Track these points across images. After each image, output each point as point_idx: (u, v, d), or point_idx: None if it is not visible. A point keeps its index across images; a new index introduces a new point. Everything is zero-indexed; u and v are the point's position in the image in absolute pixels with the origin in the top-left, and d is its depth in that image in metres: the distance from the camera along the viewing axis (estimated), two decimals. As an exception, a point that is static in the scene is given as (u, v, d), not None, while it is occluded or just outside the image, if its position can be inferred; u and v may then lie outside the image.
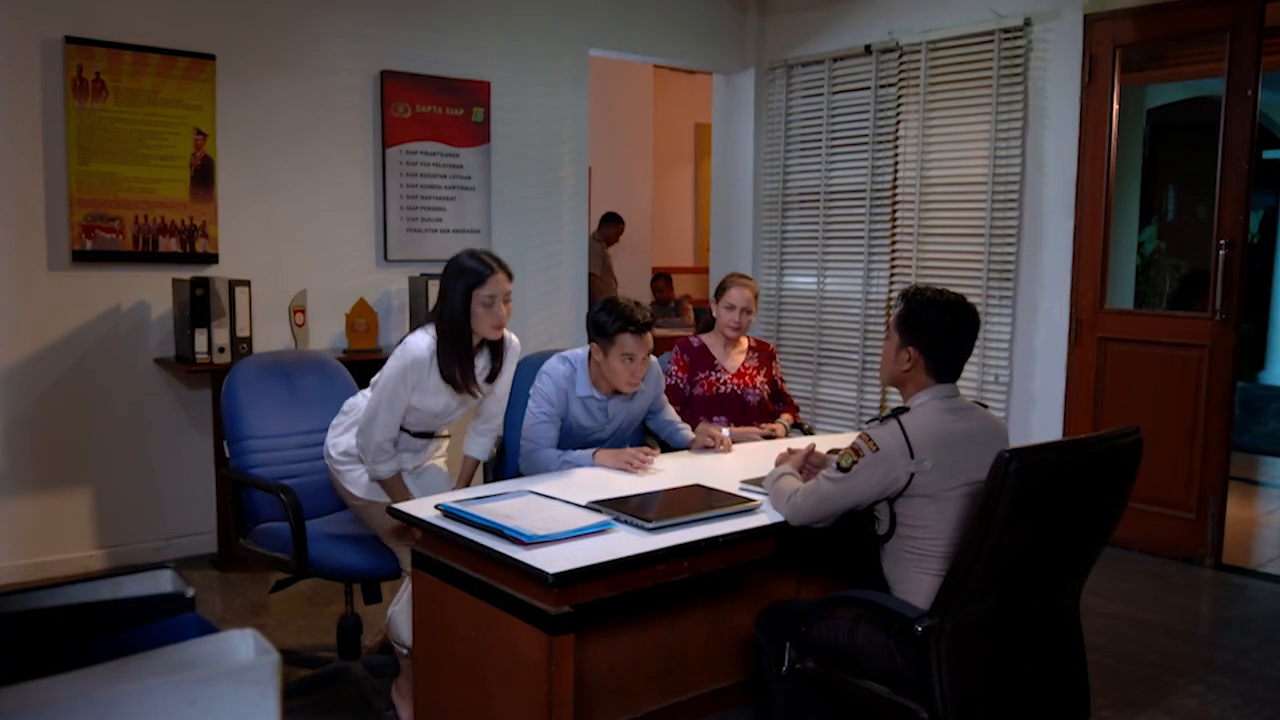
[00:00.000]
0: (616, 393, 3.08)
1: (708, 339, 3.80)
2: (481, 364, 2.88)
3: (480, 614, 2.15)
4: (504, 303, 2.77)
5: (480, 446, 3.13)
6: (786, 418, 3.84)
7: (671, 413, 3.36)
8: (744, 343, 3.84)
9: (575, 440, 3.12)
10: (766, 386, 3.81)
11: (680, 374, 3.73)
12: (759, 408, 3.78)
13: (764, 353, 3.88)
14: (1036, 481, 1.97)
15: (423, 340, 2.76)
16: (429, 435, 2.97)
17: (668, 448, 3.44)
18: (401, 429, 2.84)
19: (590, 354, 3.05)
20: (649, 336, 2.97)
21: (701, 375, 3.74)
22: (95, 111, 4.05)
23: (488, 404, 3.04)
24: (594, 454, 2.99)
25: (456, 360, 2.77)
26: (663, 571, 2.17)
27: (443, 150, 4.94)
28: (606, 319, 2.94)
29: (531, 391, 3.08)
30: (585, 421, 3.11)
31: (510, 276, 2.80)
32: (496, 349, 2.92)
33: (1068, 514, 2.08)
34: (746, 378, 3.77)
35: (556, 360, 3.10)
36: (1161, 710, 3.08)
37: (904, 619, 2.08)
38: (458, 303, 2.73)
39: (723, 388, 3.74)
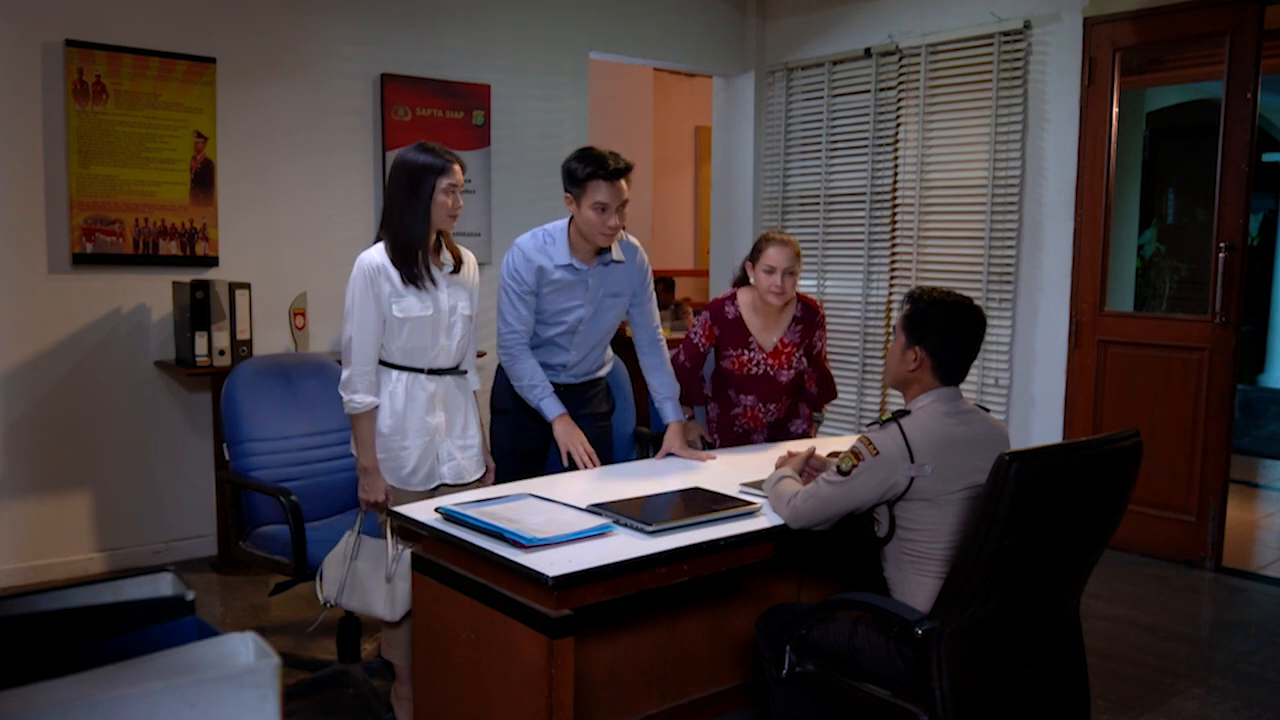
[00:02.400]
0: (599, 263, 3.02)
1: (745, 307, 3.31)
2: (446, 259, 2.80)
3: (480, 617, 2.15)
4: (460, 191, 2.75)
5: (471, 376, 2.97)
6: (812, 441, 3.42)
7: (653, 312, 3.21)
8: (788, 310, 3.35)
9: (551, 319, 3.05)
10: (804, 360, 3.39)
11: (704, 338, 3.35)
12: (793, 383, 3.40)
13: (810, 322, 3.36)
14: (1037, 484, 1.97)
15: (371, 251, 2.70)
16: (445, 372, 2.81)
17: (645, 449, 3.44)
18: (417, 371, 2.75)
19: (570, 221, 2.98)
20: (623, 185, 2.88)
21: (733, 352, 3.31)
22: (96, 114, 4.06)
23: (461, 324, 2.83)
24: (555, 421, 2.98)
25: (418, 255, 2.69)
26: (663, 574, 2.17)
27: (443, 153, 4.94)
28: (578, 165, 2.88)
29: (501, 271, 3.06)
30: (561, 300, 3.02)
31: (461, 166, 2.75)
32: (456, 252, 2.83)
33: (1068, 517, 2.08)
34: (783, 358, 3.32)
35: (530, 233, 3.04)
36: (1162, 713, 3.08)
37: (904, 622, 2.08)
38: (424, 194, 2.66)
39: (754, 369, 3.31)
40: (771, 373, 3.32)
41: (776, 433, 3.46)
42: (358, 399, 2.70)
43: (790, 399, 3.46)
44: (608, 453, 3.24)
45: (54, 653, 1.34)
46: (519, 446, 3.16)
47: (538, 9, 5.24)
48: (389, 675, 3.13)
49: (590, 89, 5.52)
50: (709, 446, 3.42)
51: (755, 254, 3.26)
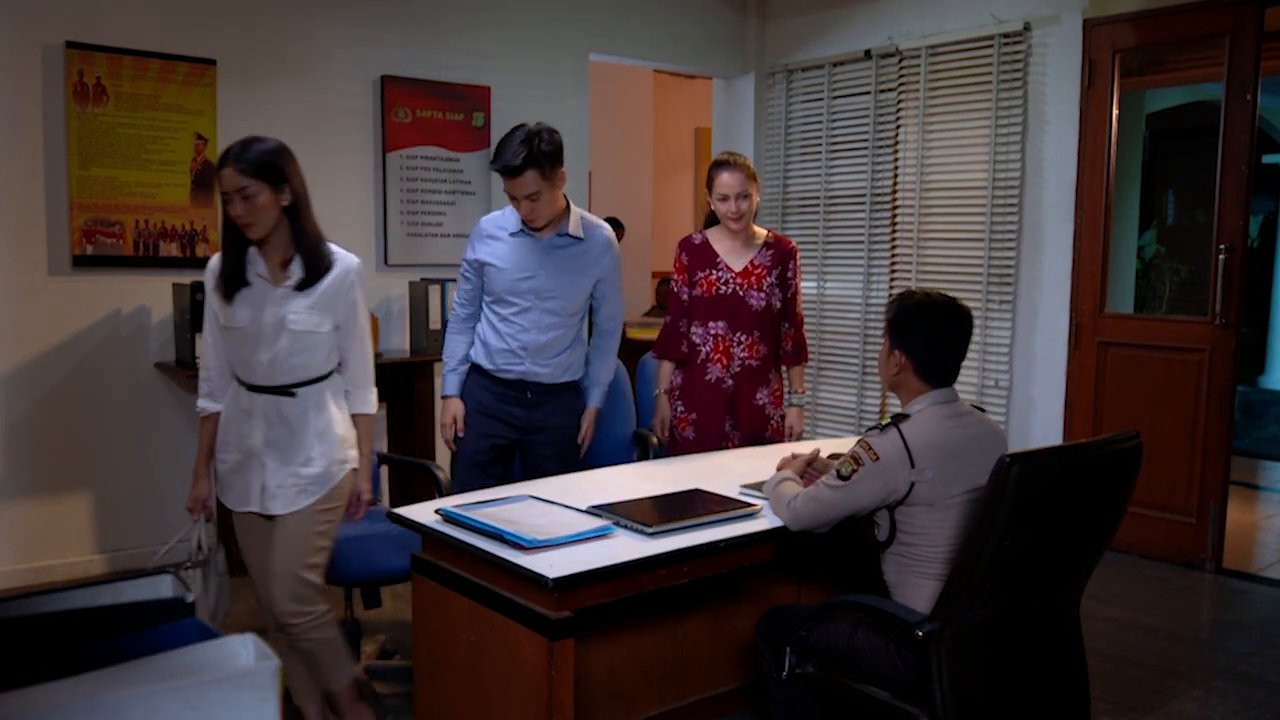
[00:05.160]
0: (554, 233, 3.02)
1: (712, 234, 3.35)
2: (295, 270, 2.49)
3: (480, 619, 2.15)
4: (243, 198, 2.42)
5: (354, 398, 2.64)
6: (796, 414, 3.44)
7: (614, 299, 3.18)
8: (758, 236, 3.35)
9: (510, 293, 3.03)
10: (778, 292, 3.33)
11: (680, 277, 3.35)
12: (766, 317, 3.31)
13: (781, 250, 3.35)
14: (1037, 486, 1.97)
15: (215, 255, 2.56)
16: (266, 389, 2.49)
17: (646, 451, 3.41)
18: (240, 383, 2.53)
19: None
20: (527, 179, 2.84)
21: (701, 274, 3.30)
22: (96, 116, 4.06)
23: (286, 339, 2.47)
24: (445, 400, 3.12)
25: (227, 263, 2.49)
26: (663, 576, 2.17)
27: (443, 155, 4.95)
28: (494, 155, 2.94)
29: None
30: (516, 270, 3.01)
31: (241, 170, 2.39)
32: (316, 265, 2.48)
33: (1068, 519, 2.08)
34: (753, 279, 3.28)
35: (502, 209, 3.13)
36: (1162, 715, 3.08)
37: (904, 624, 2.08)
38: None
39: (723, 287, 3.28)
40: (741, 293, 3.27)
41: (742, 395, 3.30)
42: (198, 403, 2.61)
43: (764, 346, 3.31)
44: (569, 465, 3.14)
45: (55, 654, 1.34)
46: (480, 456, 3.12)
47: (538, 11, 5.24)
48: (387, 677, 3.13)
49: (590, 91, 5.52)
50: (659, 452, 3.39)
51: (710, 184, 3.28)
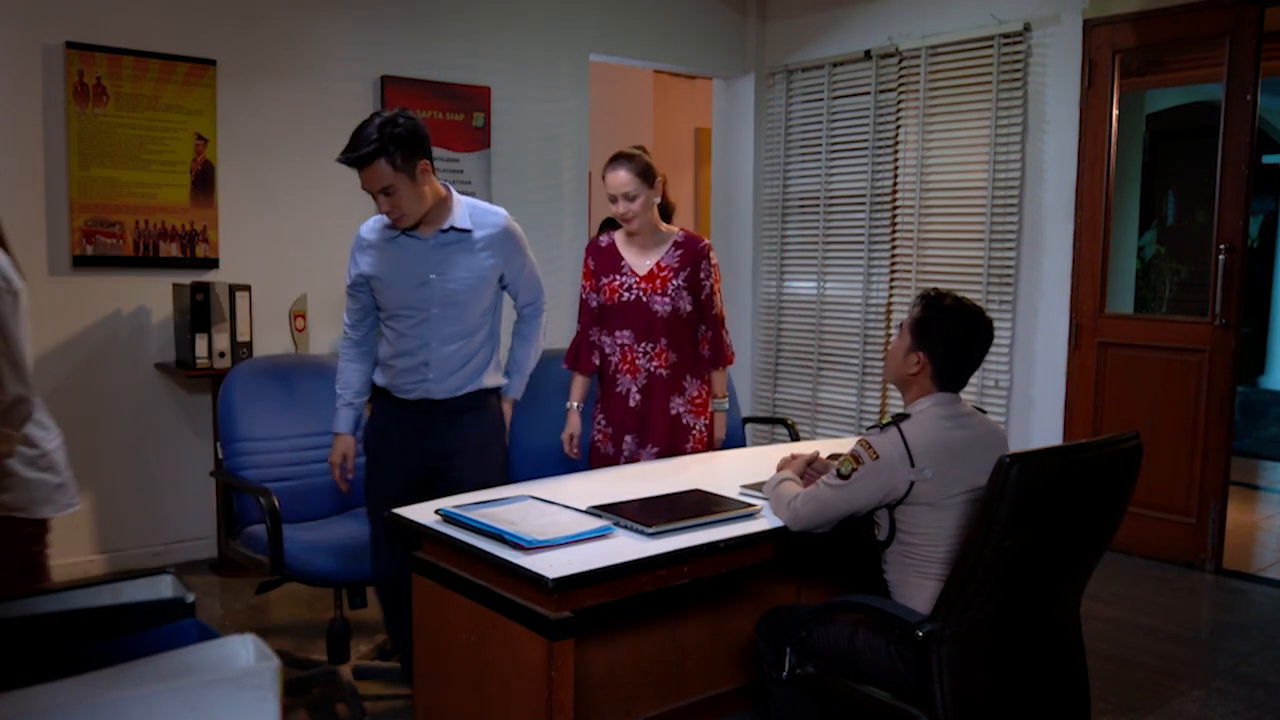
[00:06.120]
0: (438, 230, 2.69)
1: (620, 236, 3.16)
2: None
3: (480, 619, 2.15)
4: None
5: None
6: (720, 391, 3.20)
7: (528, 286, 2.87)
8: (667, 236, 3.13)
9: (402, 307, 2.72)
10: (688, 295, 3.09)
11: (587, 284, 3.15)
12: (674, 323, 3.07)
13: (690, 249, 3.10)
14: (1037, 486, 1.97)
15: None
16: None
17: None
18: None
19: None
20: (374, 171, 2.54)
21: (606, 280, 3.10)
22: (96, 116, 4.06)
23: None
24: (335, 437, 2.85)
25: None
26: (663, 576, 2.17)
27: (443, 155, 4.94)
28: None
29: None
30: (405, 277, 2.71)
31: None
32: None
33: (1068, 519, 2.08)
34: (657, 282, 3.05)
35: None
36: (1162, 715, 3.07)
37: (905, 624, 2.08)
38: None
39: (625, 294, 3.06)
40: (645, 298, 3.05)
41: (653, 406, 3.10)
42: None
43: (674, 354, 3.10)
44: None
45: (54, 655, 1.34)
46: (393, 494, 2.71)
47: (538, 11, 5.24)
48: (379, 677, 3.13)
49: (590, 91, 5.53)
50: (574, 466, 3.17)
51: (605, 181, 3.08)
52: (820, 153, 5.78)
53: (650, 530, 2.23)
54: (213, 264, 4.35)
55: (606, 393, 3.17)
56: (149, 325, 4.26)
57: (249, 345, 4.17)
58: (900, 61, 5.35)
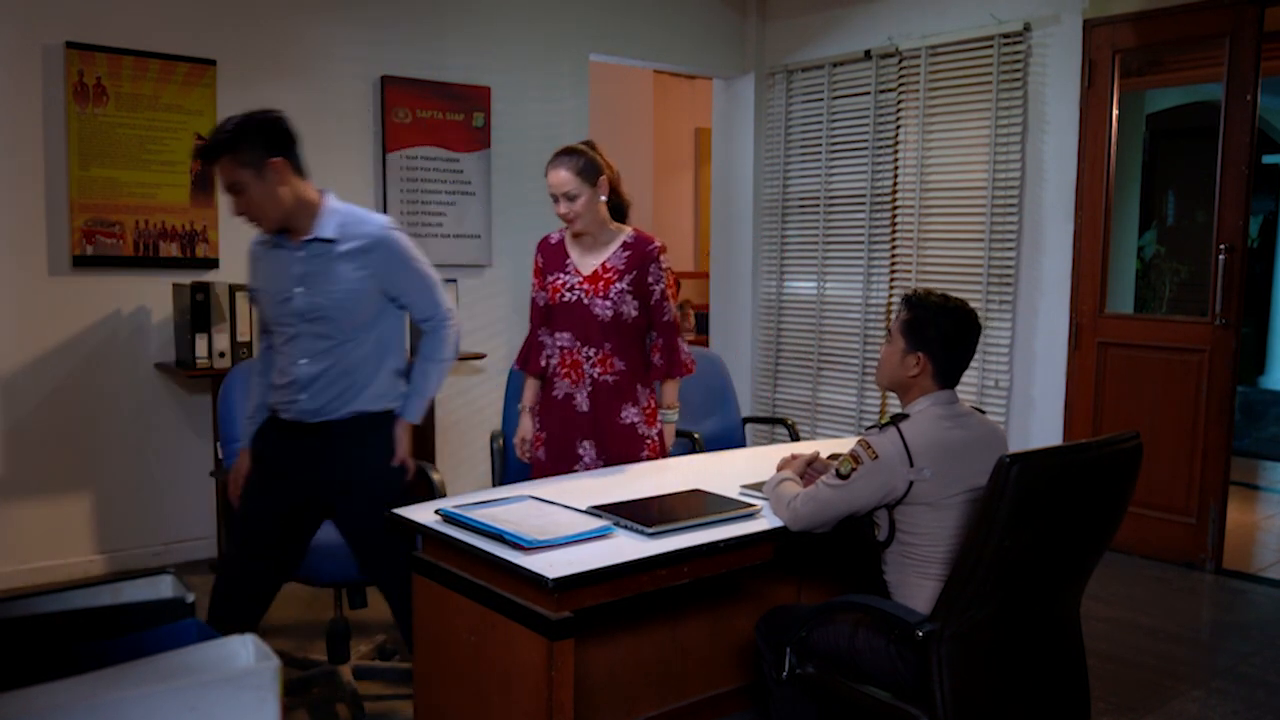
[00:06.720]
0: (312, 240, 2.52)
1: (569, 235, 3.04)
2: None
3: (480, 619, 2.15)
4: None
5: None
6: (673, 401, 3.04)
7: (421, 302, 2.64)
8: (617, 236, 2.98)
9: (276, 318, 2.58)
10: (633, 300, 2.93)
11: (535, 281, 3.03)
12: (618, 328, 2.92)
13: (639, 251, 2.94)
14: (1037, 486, 1.97)
15: None
16: None
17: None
18: None
19: None
20: (221, 168, 2.43)
21: (551, 278, 2.99)
22: (96, 116, 4.06)
23: None
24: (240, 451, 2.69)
25: None
26: (663, 576, 2.17)
27: (443, 155, 4.95)
28: None
29: None
30: (277, 288, 2.55)
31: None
32: None
33: (1068, 519, 2.08)
34: (600, 284, 2.91)
35: None
36: (1162, 715, 3.07)
37: (905, 624, 2.08)
38: None
39: (567, 294, 2.93)
40: (586, 300, 2.91)
41: (603, 414, 2.97)
42: None
43: (621, 361, 2.96)
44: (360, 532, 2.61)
45: (54, 655, 1.34)
46: (256, 527, 2.62)
47: (538, 11, 5.24)
48: (379, 677, 3.13)
49: (590, 91, 5.52)
50: (523, 474, 3.09)
51: None
52: (820, 153, 5.78)
53: (650, 530, 2.23)
54: (213, 264, 4.35)
55: (545, 395, 3.05)
56: (149, 325, 4.26)
57: (249, 345, 4.17)
58: (900, 61, 5.35)
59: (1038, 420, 4.89)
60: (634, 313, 2.95)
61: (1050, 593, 2.16)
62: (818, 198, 5.81)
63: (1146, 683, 3.30)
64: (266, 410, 2.67)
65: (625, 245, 2.96)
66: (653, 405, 3.07)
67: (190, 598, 1.55)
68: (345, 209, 2.58)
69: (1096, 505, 2.13)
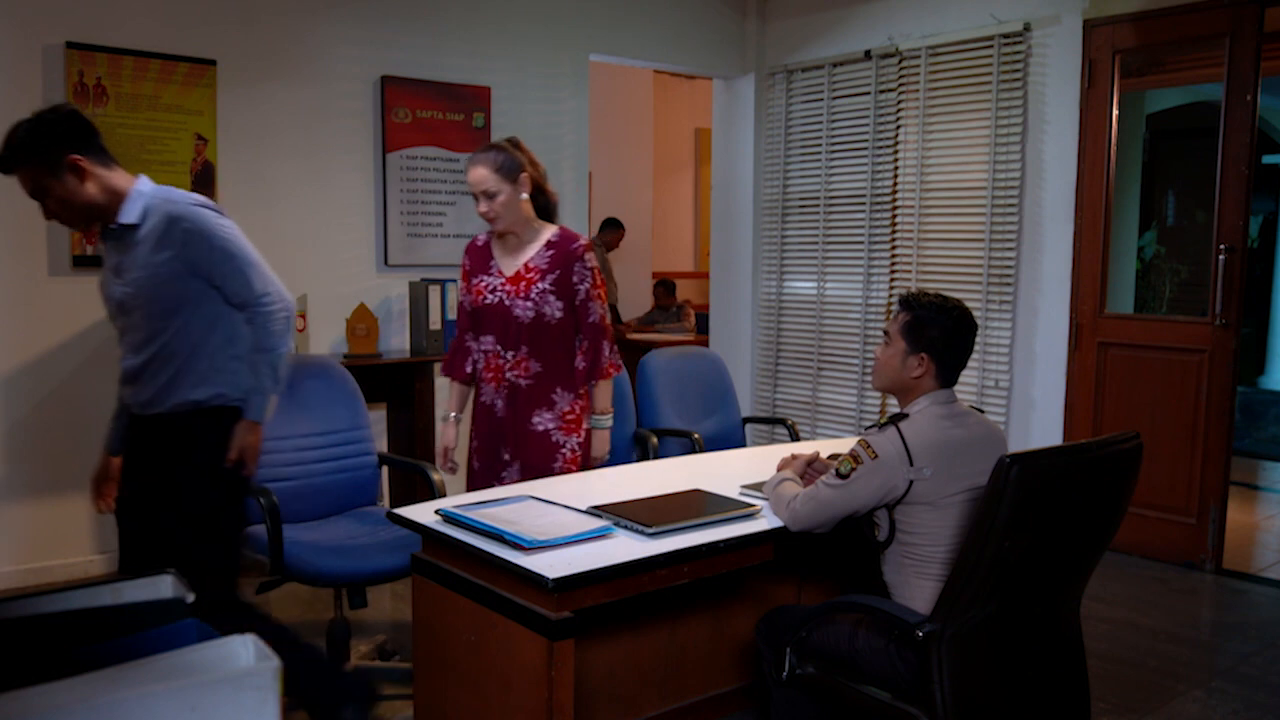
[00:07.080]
0: (117, 227, 2.45)
1: (495, 236, 2.97)
2: None
3: (480, 619, 2.15)
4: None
5: None
6: (604, 398, 2.95)
7: (235, 290, 2.46)
8: (541, 235, 2.90)
9: (106, 308, 2.59)
10: (556, 300, 2.85)
11: (462, 285, 2.97)
12: (538, 330, 2.84)
13: (562, 250, 2.87)
14: (1037, 487, 1.97)
15: None
16: None
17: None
18: None
19: None
20: (22, 177, 2.37)
21: (476, 281, 2.92)
22: (96, 117, 4.02)
23: None
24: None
25: None
26: (663, 576, 2.17)
27: (443, 155, 4.95)
28: None
29: None
30: (103, 279, 2.54)
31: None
32: None
33: (1068, 519, 2.08)
34: (522, 285, 2.84)
35: None
36: (1162, 715, 3.08)
37: (905, 624, 2.08)
38: None
39: (490, 296, 2.86)
40: (507, 302, 2.84)
41: (515, 419, 2.90)
42: None
43: (537, 363, 2.88)
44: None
45: (54, 655, 1.34)
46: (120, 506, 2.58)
47: (538, 11, 5.24)
48: (385, 678, 3.13)
49: (590, 91, 5.53)
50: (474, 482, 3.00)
51: None
52: (820, 153, 5.79)
53: (650, 530, 2.23)
54: (213, 264, 4.35)
55: (475, 402, 3.00)
56: (149, 325, 4.26)
57: (249, 345, 4.16)
58: (900, 61, 5.35)
59: (1038, 420, 4.89)
60: (558, 314, 2.87)
61: (1050, 593, 2.16)
62: (818, 198, 5.81)
63: (1146, 683, 3.31)
64: (127, 410, 2.63)
65: (549, 244, 2.89)
66: (576, 411, 2.95)
67: (190, 598, 1.55)
68: (153, 190, 2.45)
69: (1096, 505, 2.13)
